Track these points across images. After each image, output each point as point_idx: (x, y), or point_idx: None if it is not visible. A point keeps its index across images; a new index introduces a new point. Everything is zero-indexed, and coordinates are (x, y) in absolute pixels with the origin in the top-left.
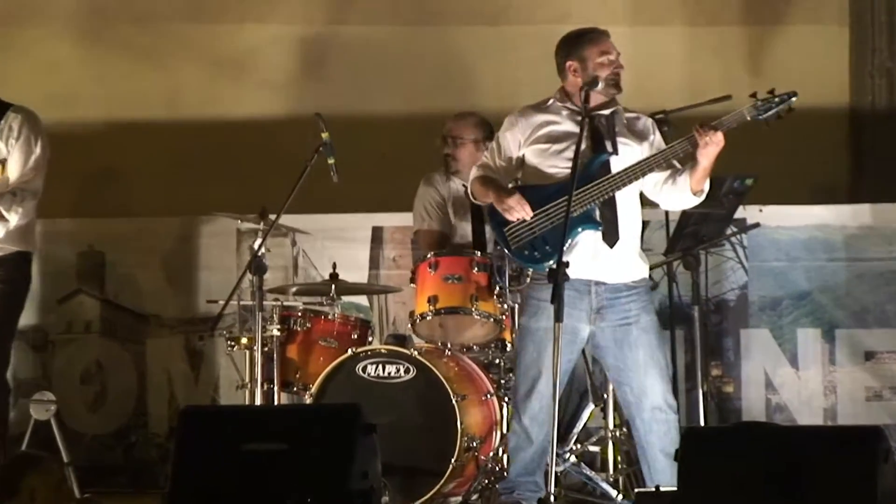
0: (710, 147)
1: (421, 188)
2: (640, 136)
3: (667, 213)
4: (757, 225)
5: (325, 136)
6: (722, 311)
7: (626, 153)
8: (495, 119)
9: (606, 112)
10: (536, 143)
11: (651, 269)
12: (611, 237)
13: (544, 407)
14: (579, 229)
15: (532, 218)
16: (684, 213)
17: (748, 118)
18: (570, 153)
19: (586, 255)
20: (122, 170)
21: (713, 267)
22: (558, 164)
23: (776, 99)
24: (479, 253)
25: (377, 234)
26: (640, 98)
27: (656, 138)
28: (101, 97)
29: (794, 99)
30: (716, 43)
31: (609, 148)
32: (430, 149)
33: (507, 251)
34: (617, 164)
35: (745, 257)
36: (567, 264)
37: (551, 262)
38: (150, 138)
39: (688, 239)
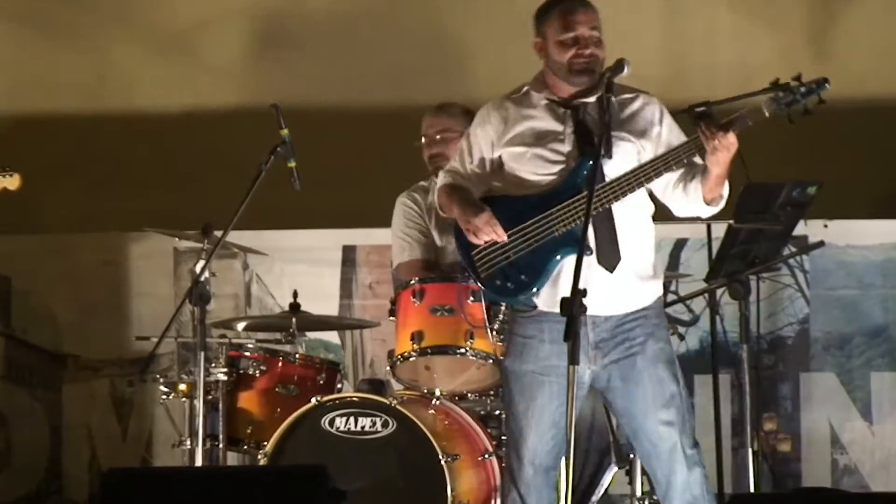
0: (720, 153)
1: (396, 213)
2: (641, 128)
3: (709, 229)
4: (821, 244)
5: (284, 132)
6: (777, 351)
7: (623, 152)
8: None
9: (592, 99)
10: (512, 145)
11: (689, 298)
12: (609, 258)
13: (539, 471)
14: (557, 256)
15: (506, 240)
16: (731, 230)
17: (767, 114)
18: (554, 155)
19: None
20: (32, 175)
21: (767, 296)
22: (539, 170)
23: (802, 88)
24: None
25: (349, 256)
26: (676, 85)
27: (664, 128)
28: (5, 84)
29: (825, 87)
30: (771, 17)
31: (601, 149)
32: (415, 148)
33: (475, 281)
34: (611, 167)
35: (807, 284)
36: (584, 292)
37: (526, 295)
38: (67, 136)
39: (735, 261)
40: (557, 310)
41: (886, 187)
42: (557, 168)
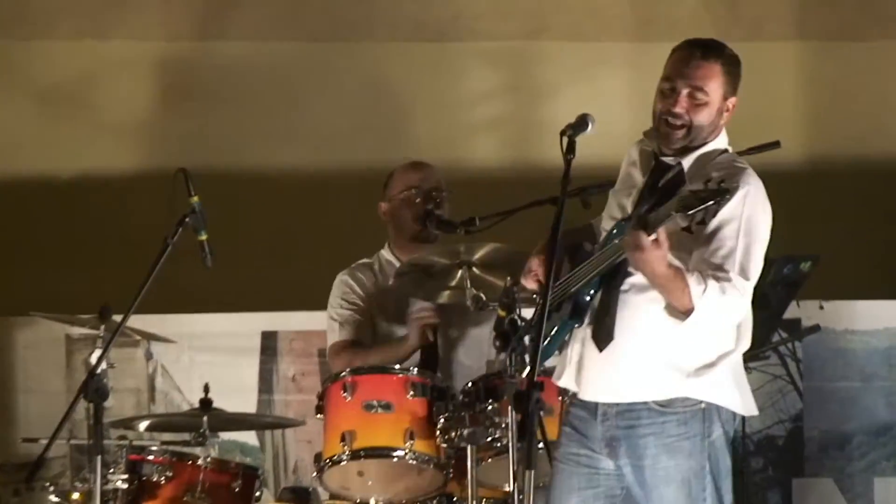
0: (632, 254)
1: (333, 292)
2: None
3: None
4: (817, 328)
5: (193, 200)
6: (766, 453)
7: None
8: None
9: (685, 159)
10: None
11: None
12: (601, 336)
13: None
14: (557, 324)
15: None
16: None
17: (676, 217)
18: (618, 210)
19: (572, 362)
20: None
21: (754, 389)
22: (605, 224)
23: (704, 195)
24: (414, 370)
25: (269, 343)
26: None
27: (723, 212)
28: None
29: (726, 198)
30: (757, 66)
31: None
32: (347, 217)
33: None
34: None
35: (800, 375)
36: (541, 386)
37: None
38: None
39: None
40: (574, 388)
41: (892, 262)
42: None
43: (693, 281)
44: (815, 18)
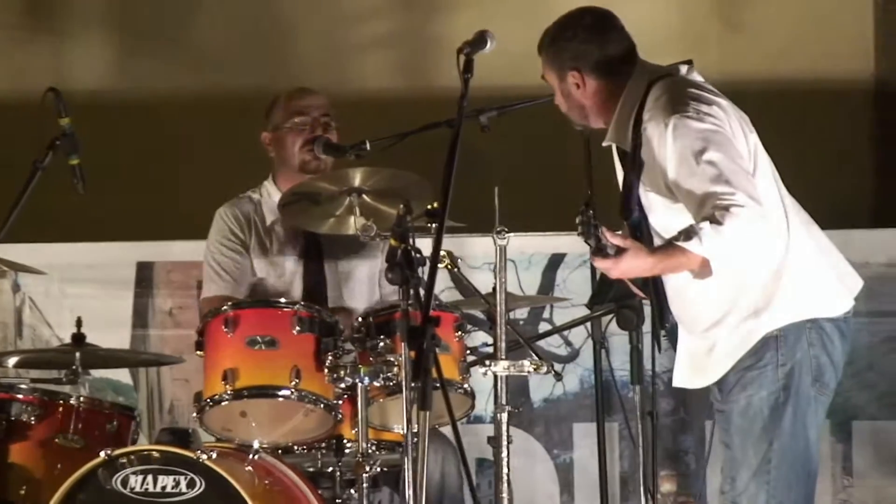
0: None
1: (212, 230)
2: None
3: None
4: None
5: (64, 122)
6: (678, 394)
7: None
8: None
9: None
10: None
11: (567, 328)
12: (662, 317)
13: None
14: None
15: None
16: None
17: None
18: None
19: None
20: None
21: None
22: None
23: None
24: (301, 303)
25: (145, 274)
26: None
27: (668, 160)
28: None
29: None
30: None
31: None
32: (227, 143)
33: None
34: None
35: None
36: (436, 321)
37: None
38: None
39: (625, 282)
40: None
41: (819, 193)
42: None
43: (682, 239)
44: None
